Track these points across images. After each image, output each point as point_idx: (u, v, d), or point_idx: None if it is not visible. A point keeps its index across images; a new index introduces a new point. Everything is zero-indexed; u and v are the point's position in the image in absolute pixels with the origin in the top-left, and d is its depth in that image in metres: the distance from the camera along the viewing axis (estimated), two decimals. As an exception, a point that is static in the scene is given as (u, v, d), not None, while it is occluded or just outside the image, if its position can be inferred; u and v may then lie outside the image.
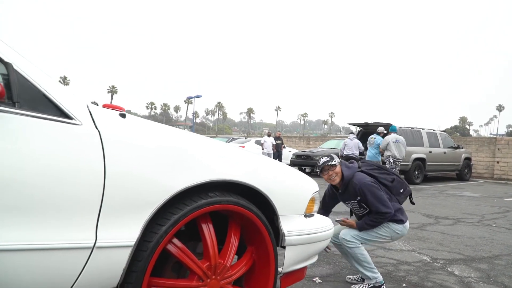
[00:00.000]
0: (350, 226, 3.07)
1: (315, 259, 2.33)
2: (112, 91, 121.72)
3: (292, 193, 2.08)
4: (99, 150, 1.41)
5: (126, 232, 1.46)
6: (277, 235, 2.01)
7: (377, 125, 12.83)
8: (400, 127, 11.61)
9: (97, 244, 1.38)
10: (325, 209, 3.29)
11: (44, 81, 1.38)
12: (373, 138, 10.64)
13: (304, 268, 2.28)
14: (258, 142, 17.79)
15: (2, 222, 1.23)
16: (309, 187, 2.21)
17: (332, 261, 3.70)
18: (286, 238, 1.99)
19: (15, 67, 1.32)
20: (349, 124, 15.75)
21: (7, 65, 1.31)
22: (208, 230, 1.76)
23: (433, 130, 13.47)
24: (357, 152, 11.91)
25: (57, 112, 1.37)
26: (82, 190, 1.36)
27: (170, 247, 1.65)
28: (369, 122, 13.14)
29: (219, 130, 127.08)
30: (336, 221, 3.12)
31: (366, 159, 10.71)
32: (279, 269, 2.04)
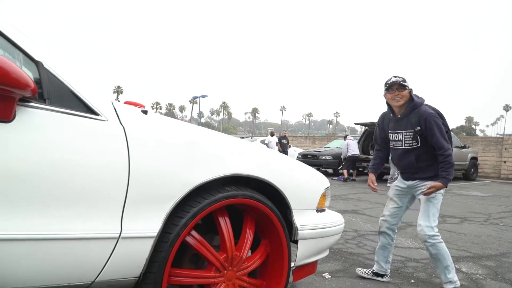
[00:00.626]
0: (438, 188, 2.81)
1: (326, 253, 2.38)
2: (118, 91, 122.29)
3: (305, 188, 2.14)
4: (124, 145, 1.47)
5: (149, 223, 1.52)
6: (290, 229, 2.06)
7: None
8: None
9: (122, 235, 1.45)
10: (382, 146, 3.21)
11: (72, 78, 1.45)
12: None
13: (315, 262, 2.33)
14: (264, 142, 17.86)
15: (33, 213, 1.30)
16: (321, 183, 2.26)
17: (341, 257, 3.74)
18: (299, 232, 2.05)
19: (45, 65, 1.39)
20: (355, 123, 15.78)
21: (37, 63, 1.38)
22: (225, 223, 1.82)
23: (439, 129, 13.43)
24: (358, 152, 12.25)
25: (84, 108, 1.44)
26: (108, 183, 1.43)
27: (189, 239, 1.71)
28: (375, 121, 13.15)
29: (224, 130, 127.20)
30: (424, 194, 2.85)
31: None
32: (292, 263, 2.09)
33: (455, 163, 11.96)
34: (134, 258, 1.51)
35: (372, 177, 3.21)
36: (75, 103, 1.42)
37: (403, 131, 2.94)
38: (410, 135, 2.90)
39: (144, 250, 1.52)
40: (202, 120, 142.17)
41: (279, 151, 15.44)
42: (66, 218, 1.35)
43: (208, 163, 1.71)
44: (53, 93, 1.38)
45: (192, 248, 1.74)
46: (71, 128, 1.39)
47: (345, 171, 12.21)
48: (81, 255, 1.39)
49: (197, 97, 33.49)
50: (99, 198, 1.42)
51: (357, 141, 13.00)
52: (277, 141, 15.70)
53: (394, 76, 2.91)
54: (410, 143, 2.92)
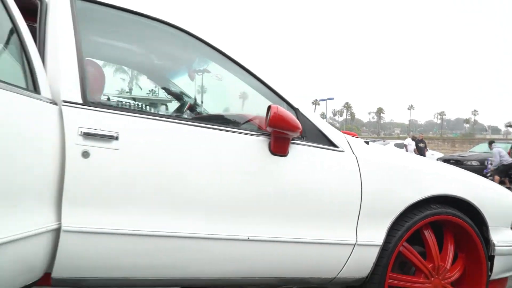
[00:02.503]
0: None
1: None
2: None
3: (499, 207, 2.27)
4: (357, 170, 1.85)
5: (376, 234, 1.88)
6: (486, 245, 2.22)
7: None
8: None
9: (357, 242, 1.84)
10: None
11: (317, 120, 1.89)
12: None
13: (506, 278, 2.43)
14: (398, 145, 17.31)
15: (298, 223, 1.75)
16: None
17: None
18: (496, 248, 2.20)
19: (301, 111, 1.85)
20: (507, 126, 14.31)
21: (296, 110, 1.84)
22: (430, 236, 2.09)
23: None
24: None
25: (328, 142, 1.86)
26: (347, 201, 1.83)
27: (402, 249, 2.02)
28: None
29: (347, 130, 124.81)
30: None
31: None
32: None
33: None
34: (365, 261, 1.88)
35: None
36: (321, 139, 1.85)
37: None
38: None
39: (372, 255, 1.88)
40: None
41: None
42: (321, 228, 1.78)
43: (420, 184, 2.00)
44: (307, 132, 1.83)
45: (403, 256, 2.05)
46: (321, 158, 1.82)
47: (496, 178, 11.24)
48: (330, 256, 1.82)
49: (324, 100, 33.75)
50: (341, 213, 1.83)
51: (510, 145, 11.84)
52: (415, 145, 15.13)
53: None
54: None
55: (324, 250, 1.80)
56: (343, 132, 2.17)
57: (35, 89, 1.41)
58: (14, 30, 1.43)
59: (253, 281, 1.79)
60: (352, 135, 2.16)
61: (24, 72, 1.43)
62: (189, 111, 2.39)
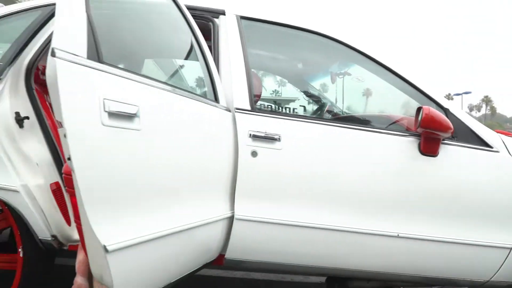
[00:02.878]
0: None
1: None
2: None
3: None
4: None
5: None
6: None
7: None
8: None
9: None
10: None
11: (469, 119, 1.86)
12: None
13: None
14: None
15: (445, 223, 1.76)
16: None
17: None
18: None
19: (451, 111, 1.85)
20: None
21: (445, 110, 1.85)
22: None
23: None
24: None
25: (481, 142, 1.82)
26: (506, 204, 1.79)
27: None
28: None
29: (488, 127, 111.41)
30: None
31: None
32: None
33: None
34: None
35: None
36: (473, 139, 1.83)
37: None
38: None
39: None
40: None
41: None
42: (473, 229, 1.77)
43: None
44: (458, 132, 1.82)
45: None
46: (474, 158, 1.80)
47: None
48: (483, 258, 1.80)
49: (459, 94, 30.81)
50: (496, 216, 1.79)
51: None
52: None
53: None
54: None
55: (476, 252, 1.77)
56: (497, 132, 2.09)
57: (215, 99, 1.71)
58: (200, 50, 1.76)
59: (397, 276, 1.85)
60: (508, 134, 2.06)
61: (208, 85, 1.74)
62: (333, 113, 2.53)
